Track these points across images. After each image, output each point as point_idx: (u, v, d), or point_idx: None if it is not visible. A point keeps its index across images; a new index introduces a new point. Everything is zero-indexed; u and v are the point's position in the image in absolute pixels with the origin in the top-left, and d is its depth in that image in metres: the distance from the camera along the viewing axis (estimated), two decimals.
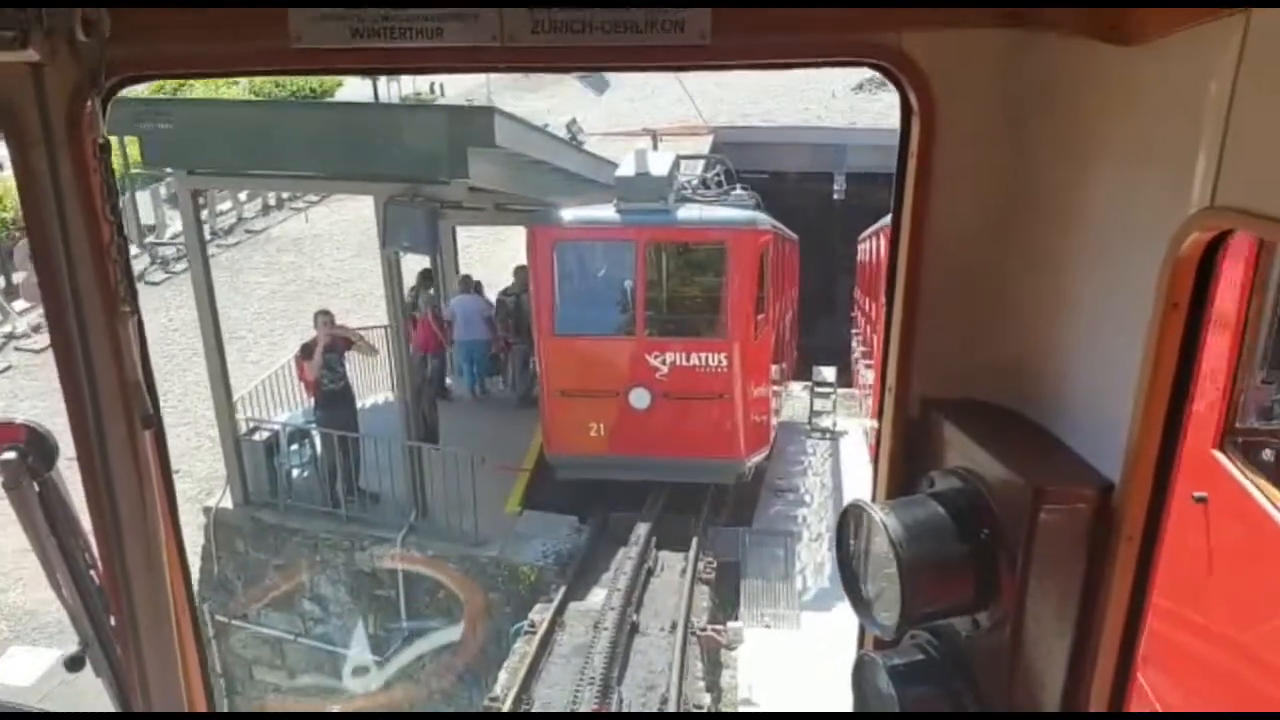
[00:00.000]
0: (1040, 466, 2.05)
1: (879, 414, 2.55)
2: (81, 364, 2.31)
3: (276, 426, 17.52)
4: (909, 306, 2.33)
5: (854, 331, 26.92)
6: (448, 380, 21.48)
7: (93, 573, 2.45)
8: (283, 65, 2.37)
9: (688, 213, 16.45)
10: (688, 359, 16.39)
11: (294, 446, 17.69)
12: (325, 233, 34.39)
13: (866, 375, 23.60)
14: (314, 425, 17.02)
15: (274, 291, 30.56)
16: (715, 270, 16.52)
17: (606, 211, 16.42)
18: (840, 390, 24.58)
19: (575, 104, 38.13)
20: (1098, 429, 2.03)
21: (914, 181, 2.24)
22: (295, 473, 17.77)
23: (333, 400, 16.37)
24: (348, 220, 33.05)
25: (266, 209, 35.49)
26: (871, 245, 23.49)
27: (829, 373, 24.30)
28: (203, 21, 2.06)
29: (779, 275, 17.88)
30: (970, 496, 2.13)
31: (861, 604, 2.25)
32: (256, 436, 17.45)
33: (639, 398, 16.43)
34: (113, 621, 2.52)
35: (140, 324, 2.35)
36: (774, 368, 18.86)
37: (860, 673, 2.37)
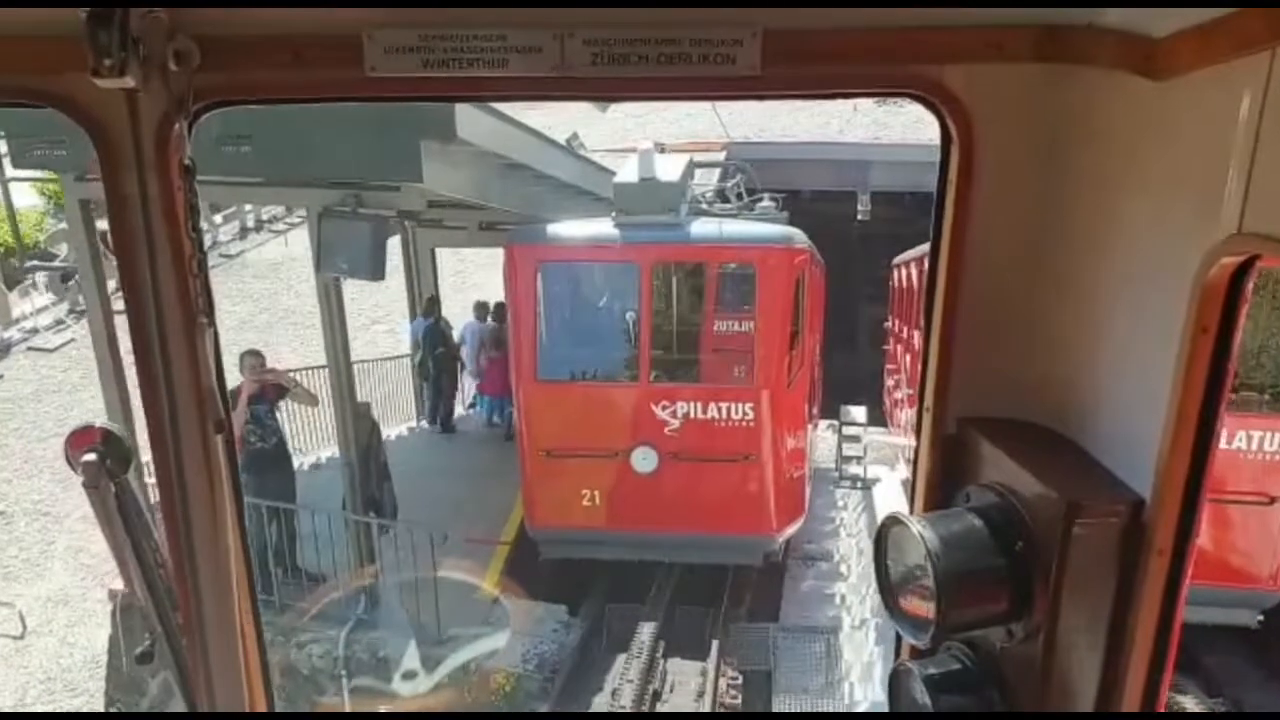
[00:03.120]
0: (1074, 482, 2.05)
1: (916, 432, 2.49)
2: (160, 372, 2.35)
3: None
4: (946, 328, 2.33)
5: (888, 367, 23.07)
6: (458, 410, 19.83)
7: (162, 572, 2.45)
8: (357, 93, 2.27)
9: (704, 228, 12.77)
10: (704, 411, 12.70)
11: None
12: (303, 256, 30.58)
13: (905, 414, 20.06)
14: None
15: (244, 322, 26.90)
16: (740, 299, 12.86)
17: (603, 226, 12.74)
18: (870, 429, 21.09)
19: (578, 120, 34.53)
20: (1129, 447, 2.02)
21: (952, 208, 2.25)
22: None
23: (262, 461, 12.63)
24: None
25: (244, 231, 31.92)
26: (907, 272, 19.74)
27: (858, 413, 20.92)
28: (283, 52, 2.12)
29: (814, 305, 14.11)
30: (1005, 511, 2.12)
31: (899, 614, 2.21)
32: None
33: (643, 459, 12.77)
34: (180, 619, 2.53)
35: (216, 335, 2.38)
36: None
37: (896, 682, 2.35)
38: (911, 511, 2.43)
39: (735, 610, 13.97)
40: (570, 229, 12.92)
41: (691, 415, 12.67)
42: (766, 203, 14.71)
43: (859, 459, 20.11)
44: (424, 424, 20.50)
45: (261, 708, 2.77)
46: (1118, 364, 2.08)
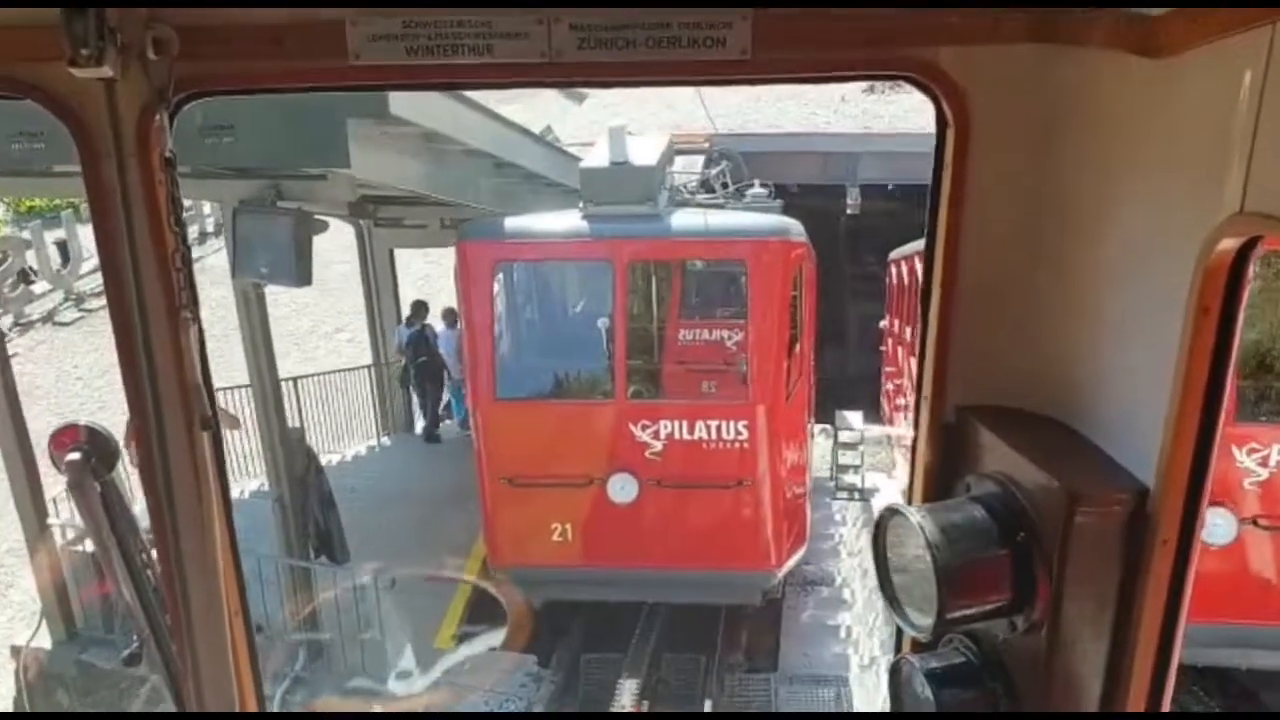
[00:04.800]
0: (1075, 471, 2.00)
1: (914, 421, 2.45)
2: (144, 367, 2.29)
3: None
4: (944, 315, 2.28)
5: (887, 369, 21.33)
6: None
7: (149, 572, 2.42)
8: (342, 82, 2.23)
9: (687, 219, 10.90)
10: (691, 430, 10.84)
11: None
12: None
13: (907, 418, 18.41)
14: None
15: None
16: (729, 301, 10.91)
17: (570, 220, 10.83)
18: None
19: (552, 114, 32.58)
20: (1131, 434, 1.98)
21: (948, 192, 2.20)
22: None
23: None
24: None
25: (204, 236, 29.80)
26: (909, 267, 17.97)
27: (854, 418, 18.96)
28: (265, 41, 2.07)
29: (810, 305, 12.24)
30: (1006, 501, 2.07)
31: (898, 607, 2.16)
32: (85, 547, 11.72)
33: (621, 488, 10.94)
34: (168, 620, 2.48)
35: (201, 330, 2.33)
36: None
37: (897, 676, 2.29)
38: (910, 502, 2.38)
39: (730, 655, 12.11)
40: (532, 223, 11.02)
41: (675, 436, 10.82)
42: (758, 190, 12.83)
43: (856, 468, 18.36)
44: (386, 440, 18.63)
45: (253, 708, 2.68)
46: (1119, 348, 2.04)
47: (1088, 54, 1.97)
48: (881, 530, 2.15)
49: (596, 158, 10.88)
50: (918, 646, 2.32)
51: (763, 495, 11.02)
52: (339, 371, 19.26)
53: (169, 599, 2.44)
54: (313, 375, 18.51)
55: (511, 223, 11.03)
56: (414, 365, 18.06)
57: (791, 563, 12.05)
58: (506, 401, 10.94)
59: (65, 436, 2.26)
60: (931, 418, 2.33)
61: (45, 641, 11.92)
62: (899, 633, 2.49)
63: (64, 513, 12.03)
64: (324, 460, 17.52)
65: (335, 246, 25.47)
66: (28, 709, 12.12)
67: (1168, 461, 1.84)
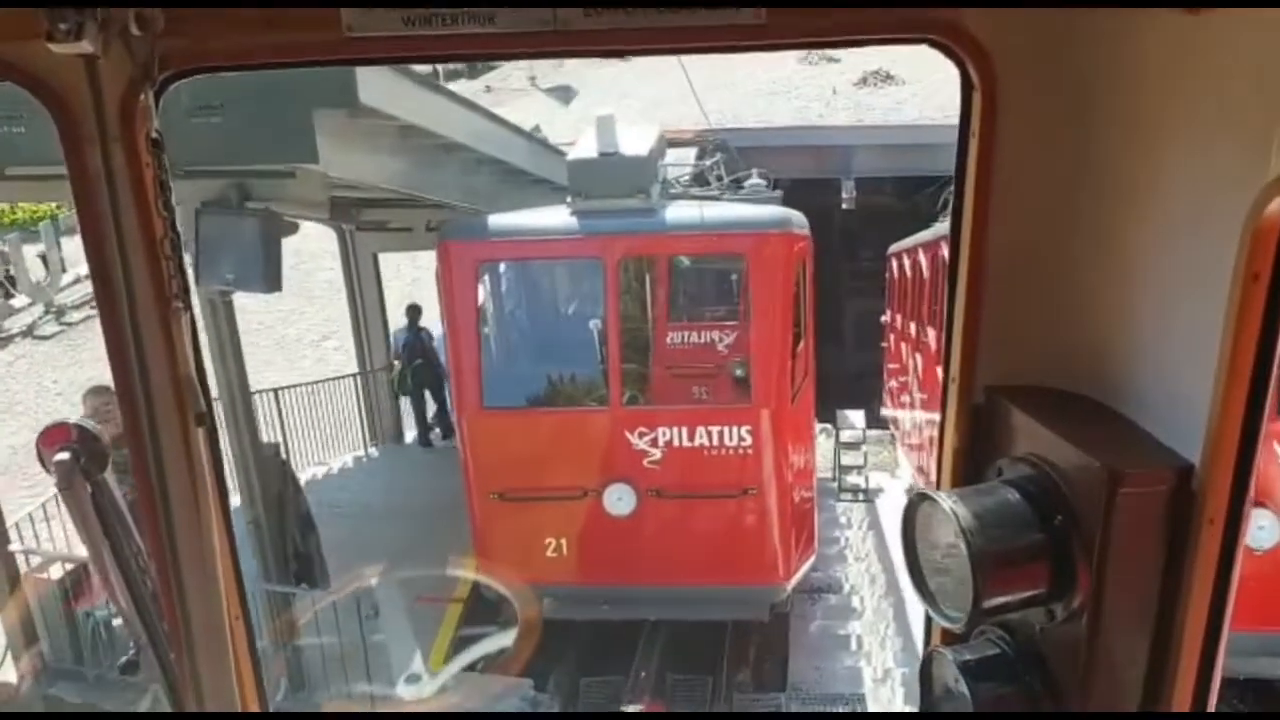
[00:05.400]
0: (1115, 449, 1.88)
1: (941, 404, 2.34)
2: (134, 360, 2.22)
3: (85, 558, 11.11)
4: (973, 291, 2.17)
5: (890, 366, 20.68)
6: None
7: (145, 577, 2.33)
8: (335, 55, 2.12)
9: (682, 212, 10.23)
10: (691, 436, 10.16)
11: None
12: None
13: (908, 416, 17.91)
14: None
15: None
16: (728, 297, 10.25)
17: (557, 215, 10.14)
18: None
19: (540, 114, 31.92)
20: (1174, 409, 1.88)
21: (975, 162, 2.10)
22: (117, 623, 11.24)
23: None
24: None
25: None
26: (913, 260, 17.33)
27: (856, 417, 18.51)
28: (254, 14, 2.01)
29: (813, 301, 11.56)
30: (1042, 483, 1.96)
31: (930, 597, 2.06)
32: (51, 574, 10.98)
33: (619, 499, 10.26)
34: (165, 626, 2.41)
35: (193, 319, 2.25)
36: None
37: (929, 669, 2.18)
38: (939, 488, 2.28)
39: (738, 673, 11.40)
40: (517, 220, 10.33)
41: (675, 443, 10.13)
42: (756, 180, 12.13)
43: (859, 468, 17.85)
44: (374, 451, 17.96)
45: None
46: (1160, 320, 1.94)
47: (1121, 10, 1.87)
48: (911, 517, 2.06)
49: (584, 149, 10.19)
50: (948, 638, 2.23)
51: (769, 504, 10.34)
52: (325, 381, 18.58)
53: (166, 604, 2.37)
54: (297, 385, 17.87)
55: (495, 220, 10.34)
56: (410, 370, 17.58)
57: (801, 573, 11.39)
58: (494, 411, 10.25)
59: (54, 435, 2.18)
60: (960, 400, 2.24)
61: (10, 675, 11.21)
62: (928, 624, 2.40)
63: (28, 539, 11.38)
64: (309, 474, 16.92)
65: (322, 252, 24.88)
66: None
67: (1215, 437, 1.74)
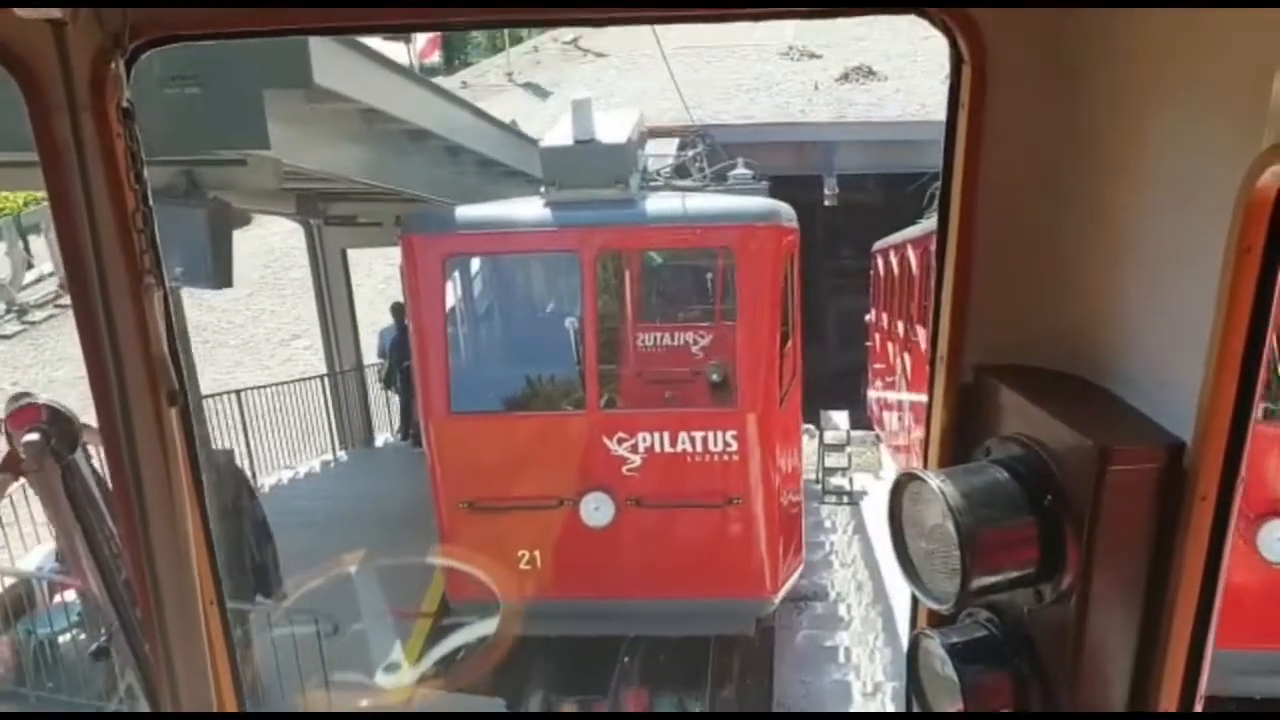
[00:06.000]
0: (1105, 427, 1.86)
1: (929, 383, 2.32)
2: (105, 337, 2.16)
3: (28, 572, 10.81)
4: (961, 268, 2.14)
5: (874, 366, 20.20)
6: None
7: (117, 561, 2.34)
8: (317, 24, 2.17)
9: (663, 203, 9.62)
10: (674, 442, 9.55)
11: (58, 600, 10.64)
12: None
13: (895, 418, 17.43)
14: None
15: None
16: (712, 294, 9.63)
17: (530, 207, 9.50)
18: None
19: (518, 110, 31.31)
20: (1165, 386, 1.85)
21: (964, 135, 2.07)
22: (63, 640, 10.60)
23: None
24: (250, 251, 25.88)
25: None
26: (900, 256, 16.85)
27: (840, 419, 18.07)
28: None
29: (800, 298, 11.00)
30: (1031, 462, 1.94)
31: (917, 578, 2.03)
32: None
33: (596, 508, 9.66)
34: (139, 613, 2.37)
35: (167, 295, 2.18)
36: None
37: (916, 652, 2.14)
38: (926, 467, 2.24)
39: (721, 689, 10.83)
40: (486, 212, 9.69)
41: (655, 449, 9.53)
42: (741, 171, 11.53)
43: (843, 470, 17.44)
44: (343, 454, 17.31)
45: (231, 707, 2.52)
46: (1150, 296, 1.91)
47: None
48: (898, 496, 2.04)
49: (559, 135, 9.56)
50: (935, 620, 2.20)
51: (755, 514, 9.75)
52: (292, 382, 17.88)
53: (139, 589, 2.32)
54: (263, 387, 17.18)
55: (463, 212, 9.67)
56: (400, 369, 17.11)
57: (789, 585, 10.81)
58: (462, 415, 9.60)
59: (23, 416, 2.19)
60: (948, 379, 2.22)
61: None
62: (915, 607, 2.37)
63: None
64: (274, 479, 16.22)
65: (293, 249, 24.19)
66: None
67: (1206, 413, 1.70)
